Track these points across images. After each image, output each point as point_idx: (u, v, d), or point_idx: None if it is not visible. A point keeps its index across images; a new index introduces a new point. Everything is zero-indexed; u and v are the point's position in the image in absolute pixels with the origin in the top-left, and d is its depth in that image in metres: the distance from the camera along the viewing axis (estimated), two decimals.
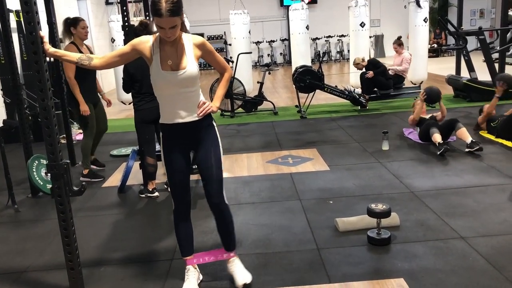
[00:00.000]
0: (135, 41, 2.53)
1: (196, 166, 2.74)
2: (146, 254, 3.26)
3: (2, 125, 7.33)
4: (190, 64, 2.47)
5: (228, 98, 8.15)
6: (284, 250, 3.16)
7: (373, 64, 7.93)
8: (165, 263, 3.10)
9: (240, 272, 2.77)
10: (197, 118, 2.56)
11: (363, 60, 8.07)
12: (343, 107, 8.32)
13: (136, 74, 4.13)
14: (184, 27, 2.51)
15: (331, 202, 3.98)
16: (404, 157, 5.12)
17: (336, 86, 8.21)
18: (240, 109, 8.30)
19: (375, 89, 7.91)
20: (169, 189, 4.38)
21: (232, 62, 8.56)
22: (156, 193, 4.41)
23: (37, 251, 3.41)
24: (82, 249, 3.34)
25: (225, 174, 4.96)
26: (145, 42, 2.51)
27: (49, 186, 4.61)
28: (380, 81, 7.84)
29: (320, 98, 8.70)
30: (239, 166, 5.20)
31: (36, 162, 4.63)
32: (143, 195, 4.42)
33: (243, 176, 4.83)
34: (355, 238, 3.27)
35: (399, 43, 8.38)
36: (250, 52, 9.30)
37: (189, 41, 2.52)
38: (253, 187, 4.48)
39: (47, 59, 2.50)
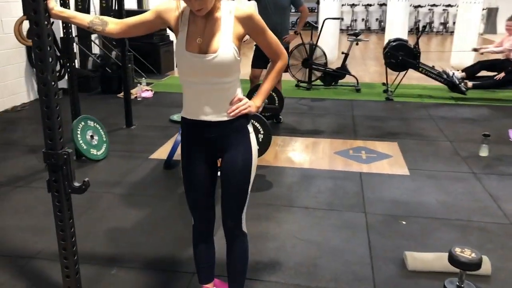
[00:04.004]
0: (161, 6, 1.91)
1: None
2: (168, 259, 2.75)
3: None
4: (224, 46, 1.81)
5: (307, 67, 7.37)
6: (330, 287, 2.50)
7: None
8: (187, 276, 2.57)
9: None
10: (226, 118, 1.92)
11: None
12: (438, 91, 7.20)
13: None
14: None
15: (403, 222, 3.21)
16: (508, 171, 4.14)
17: (433, 66, 7.09)
18: (318, 81, 7.49)
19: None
20: None
21: (316, 28, 7.68)
22: None
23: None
24: (99, 242, 2.93)
25: (282, 162, 4.40)
26: (173, 9, 1.88)
27: (93, 151, 4.26)
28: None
29: (413, 77, 7.59)
30: (301, 154, 4.52)
31: (83, 123, 4.28)
32: None
33: (303, 168, 4.15)
34: (427, 284, 2.53)
35: None
36: (339, 18, 8.32)
37: (229, 12, 1.84)
38: (312, 185, 3.80)
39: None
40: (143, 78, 7.27)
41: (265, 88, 2.04)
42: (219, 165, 2.08)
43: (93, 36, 7.54)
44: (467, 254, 2.34)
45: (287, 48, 5.26)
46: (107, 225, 3.15)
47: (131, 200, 3.53)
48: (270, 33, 1.95)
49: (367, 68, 9.45)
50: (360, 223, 3.18)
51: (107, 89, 7.00)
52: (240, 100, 1.93)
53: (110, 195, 3.59)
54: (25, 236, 2.95)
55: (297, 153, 4.56)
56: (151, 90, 7.00)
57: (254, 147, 2.03)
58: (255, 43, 5.86)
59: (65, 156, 2.05)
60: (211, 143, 1.98)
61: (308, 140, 4.91)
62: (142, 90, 6.81)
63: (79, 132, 4.21)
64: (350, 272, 2.63)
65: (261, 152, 3.90)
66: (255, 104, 2.01)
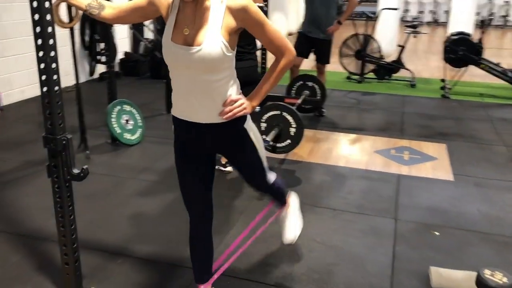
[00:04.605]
0: None
1: None
2: (177, 253, 2.65)
3: (123, 56, 7.29)
4: (210, 39, 1.63)
5: (360, 59, 7.04)
6: None
7: None
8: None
9: (289, 227, 2.50)
10: (219, 121, 1.77)
11: None
12: (502, 90, 6.60)
13: None
14: None
15: (437, 233, 2.92)
16: None
17: (499, 63, 6.52)
18: (371, 74, 7.14)
19: None
20: (222, 168, 3.76)
21: (371, 18, 7.30)
22: (229, 168, 3.77)
23: (79, 216, 3.03)
24: (112, 229, 2.90)
25: (317, 158, 4.16)
26: None
27: (126, 135, 4.27)
28: None
29: (476, 74, 7.02)
30: (337, 151, 4.28)
31: (118, 107, 4.29)
32: (216, 167, 3.81)
33: (338, 166, 3.92)
34: None
35: None
36: (396, 9, 7.86)
37: (220, 2, 1.66)
38: (344, 184, 3.57)
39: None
40: None
41: (264, 88, 1.85)
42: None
43: (147, 22, 7.60)
44: (497, 278, 2.07)
45: (329, 41, 4.98)
46: (125, 212, 3.11)
47: (154, 188, 3.48)
48: (270, 27, 1.74)
49: (428, 62, 8.90)
50: (388, 230, 2.94)
51: (156, 74, 7.04)
52: (234, 101, 1.77)
53: (135, 181, 3.56)
54: (43, 218, 2.97)
55: (334, 149, 4.32)
56: None
57: (256, 139, 1.91)
58: (298, 29, 5.61)
59: (64, 142, 2.00)
60: (205, 145, 1.84)
61: (349, 136, 4.66)
62: None
63: (114, 116, 4.22)
64: (366, 283, 2.42)
65: (291, 146, 3.73)
66: (251, 104, 1.84)
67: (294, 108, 4.55)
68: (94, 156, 4.03)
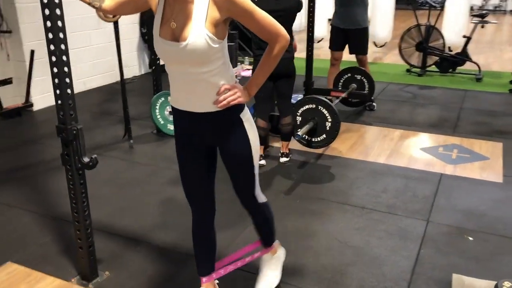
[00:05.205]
0: None
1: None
2: None
3: None
4: (195, 33, 1.61)
5: (421, 51, 6.68)
6: None
7: None
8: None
9: (264, 279, 2.25)
10: (213, 109, 1.76)
11: None
12: None
13: None
14: None
15: (470, 238, 2.72)
16: None
17: None
18: (433, 67, 6.75)
19: None
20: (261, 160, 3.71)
21: (435, 7, 6.89)
22: (263, 161, 3.75)
23: (111, 202, 3.18)
24: (138, 216, 3.00)
25: (356, 154, 4.01)
26: None
27: (170, 126, 4.38)
28: None
29: None
30: (380, 147, 4.10)
31: (162, 99, 4.40)
32: None
33: (375, 163, 3.76)
34: None
35: None
36: None
37: None
38: (379, 182, 3.42)
39: None
40: (246, 57, 7.26)
41: (260, 76, 1.82)
42: None
43: None
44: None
45: (363, 29, 4.78)
46: (155, 200, 3.20)
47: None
48: (259, 15, 1.68)
49: (502, 54, 8.26)
50: (417, 232, 2.78)
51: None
52: (228, 89, 1.75)
53: (170, 171, 3.65)
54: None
55: (376, 145, 4.15)
56: None
57: (252, 134, 1.87)
58: (331, 22, 5.44)
59: (74, 132, 2.09)
60: (206, 134, 1.84)
61: (396, 132, 4.45)
62: (243, 69, 6.82)
63: (157, 107, 4.35)
64: (380, 287, 2.30)
65: (327, 141, 3.63)
66: (248, 92, 1.81)
67: (333, 101, 4.45)
68: (137, 145, 4.18)
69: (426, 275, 2.39)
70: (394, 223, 2.89)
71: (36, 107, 5.20)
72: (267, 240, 2.23)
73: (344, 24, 4.73)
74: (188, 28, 1.62)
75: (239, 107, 1.81)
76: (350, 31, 4.73)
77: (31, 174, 3.66)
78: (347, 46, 4.88)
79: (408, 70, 6.87)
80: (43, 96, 5.26)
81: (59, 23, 1.97)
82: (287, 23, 3.34)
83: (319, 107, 3.61)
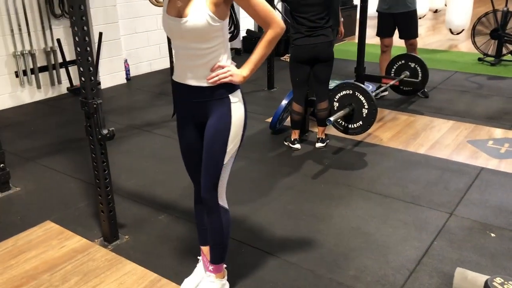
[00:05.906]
0: None
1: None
2: None
3: (245, 34, 7.61)
4: (195, 11, 1.74)
5: (496, 39, 6.25)
6: (345, 284, 2.24)
7: None
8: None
9: None
10: (206, 84, 1.86)
11: None
12: None
13: None
14: None
15: (493, 235, 2.59)
16: None
17: None
18: (509, 56, 6.28)
19: None
20: (290, 145, 3.71)
21: None
22: (297, 145, 3.79)
23: (148, 174, 3.42)
24: (169, 189, 3.18)
25: (396, 143, 3.89)
26: None
27: None
28: None
29: None
30: (424, 137, 3.96)
31: None
32: (286, 143, 3.88)
33: (414, 153, 3.65)
34: None
35: None
36: None
37: None
38: (411, 173, 3.33)
39: None
40: None
41: (254, 58, 1.89)
42: None
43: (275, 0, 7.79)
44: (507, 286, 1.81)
45: (411, 12, 4.59)
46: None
47: None
48: (257, 0, 1.77)
49: None
50: (436, 224, 2.70)
51: (272, 51, 7.21)
52: (221, 67, 1.84)
53: None
54: (116, 174, 3.39)
55: (421, 135, 4.01)
56: None
57: (236, 117, 1.92)
58: (377, 8, 5.28)
59: (95, 106, 2.30)
60: (196, 108, 1.95)
61: (447, 123, 4.25)
62: None
63: None
64: (380, 274, 2.30)
65: (363, 128, 3.60)
66: (241, 74, 1.89)
67: (370, 88, 4.36)
68: None
69: (431, 267, 2.34)
70: (413, 213, 2.82)
71: (103, 86, 5.63)
72: (215, 255, 2.09)
73: (391, 8, 4.58)
74: (190, 6, 1.76)
75: (230, 87, 1.90)
76: (398, 15, 4.57)
77: (85, 146, 4.01)
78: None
79: (480, 59, 6.46)
80: (110, 75, 5.69)
81: (81, 6, 2.17)
82: (325, 4, 3.33)
83: (356, 93, 3.57)
